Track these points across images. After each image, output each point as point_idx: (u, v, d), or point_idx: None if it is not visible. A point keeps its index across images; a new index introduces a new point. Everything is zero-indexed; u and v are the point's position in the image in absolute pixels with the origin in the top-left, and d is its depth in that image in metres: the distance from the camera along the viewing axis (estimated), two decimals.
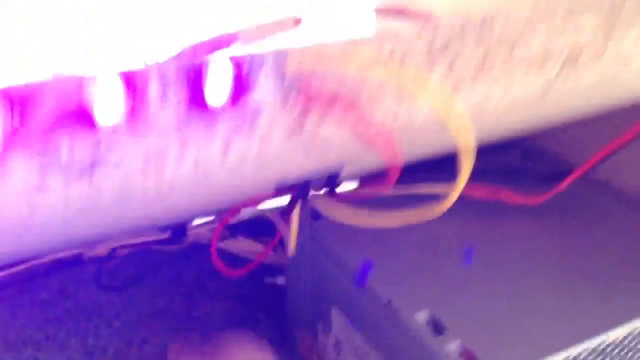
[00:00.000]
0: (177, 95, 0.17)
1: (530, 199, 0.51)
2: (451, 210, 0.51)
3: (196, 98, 0.18)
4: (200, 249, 0.59)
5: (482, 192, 0.51)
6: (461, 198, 0.51)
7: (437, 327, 0.40)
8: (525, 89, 0.22)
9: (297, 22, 0.48)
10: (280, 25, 0.48)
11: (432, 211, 0.26)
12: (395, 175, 0.25)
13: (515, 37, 0.22)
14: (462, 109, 0.21)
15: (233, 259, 0.57)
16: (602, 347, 0.38)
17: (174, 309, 0.60)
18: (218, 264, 0.41)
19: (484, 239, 0.49)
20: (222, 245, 0.57)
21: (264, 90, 0.19)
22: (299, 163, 0.19)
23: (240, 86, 0.19)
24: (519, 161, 0.57)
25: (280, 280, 0.55)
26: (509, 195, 0.51)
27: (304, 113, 0.19)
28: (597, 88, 0.23)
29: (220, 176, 0.19)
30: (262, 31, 0.47)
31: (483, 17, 0.21)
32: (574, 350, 0.37)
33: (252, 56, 0.19)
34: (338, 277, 0.46)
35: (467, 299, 0.42)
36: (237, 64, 0.19)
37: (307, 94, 0.19)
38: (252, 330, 0.61)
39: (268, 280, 0.55)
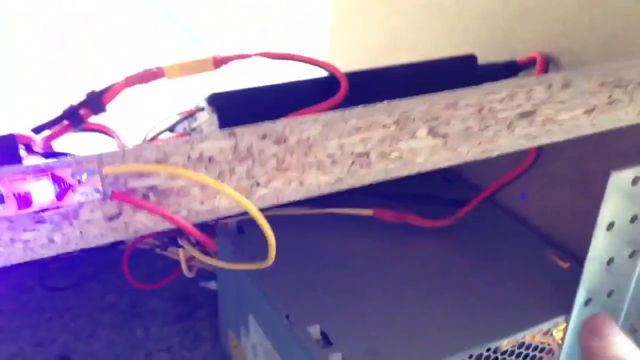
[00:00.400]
0: (9, 197, 0.23)
1: (436, 222, 0.56)
2: (360, 230, 0.56)
3: (25, 198, 0.24)
4: (146, 251, 0.64)
5: (390, 216, 0.56)
6: (372, 220, 0.57)
7: (326, 341, 0.46)
8: (316, 183, 0.28)
9: (217, 63, 0.53)
10: (201, 66, 0.53)
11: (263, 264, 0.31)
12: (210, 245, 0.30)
13: (308, 145, 0.27)
14: (254, 205, 0.27)
15: (175, 265, 0.62)
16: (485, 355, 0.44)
17: (120, 305, 0.66)
18: (131, 280, 0.47)
19: (386, 258, 0.54)
20: (166, 253, 0.62)
21: (83, 191, 0.24)
22: (115, 238, 0.25)
23: (64, 188, 0.24)
24: (430, 186, 0.62)
25: (212, 285, 0.61)
26: (415, 219, 0.56)
27: (119, 207, 0.25)
28: (385, 176, 0.28)
29: (48, 251, 0.24)
30: (185, 69, 0.52)
31: (280, 131, 0.27)
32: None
33: (75, 160, 0.24)
34: (252, 288, 0.52)
35: (360, 314, 0.48)
36: (62, 166, 0.24)
37: (122, 192, 0.25)
38: (194, 324, 0.68)
39: (202, 284, 0.61)
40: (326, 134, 0.29)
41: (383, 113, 0.29)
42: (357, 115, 0.29)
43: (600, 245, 0.46)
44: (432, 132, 0.30)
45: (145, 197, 0.26)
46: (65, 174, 0.25)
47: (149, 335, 0.64)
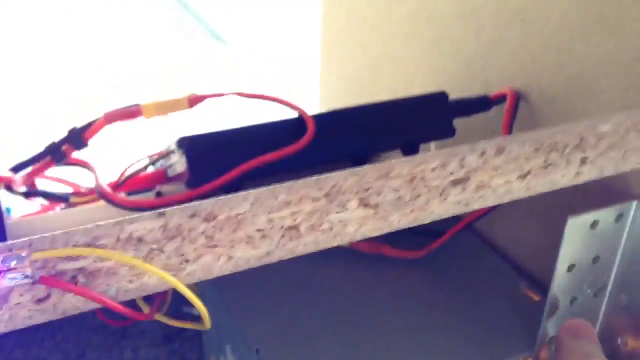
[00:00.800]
0: None
1: (410, 253, 0.57)
2: (335, 261, 0.57)
3: None
4: None
5: (365, 246, 0.57)
6: (347, 251, 0.58)
7: None
8: (246, 258, 0.29)
9: (192, 102, 0.54)
10: (176, 105, 0.54)
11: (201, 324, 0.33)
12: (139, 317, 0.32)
13: (236, 221, 0.28)
14: (183, 281, 0.28)
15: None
16: None
17: (111, 326, 0.68)
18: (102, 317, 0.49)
19: (360, 291, 0.55)
20: None
21: (12, 276, 0.26)
22: (44, 319, 0.27)
23: None
24: None
25: (195, 311, 0.62)
26: (389, 249, 0.57)
27: (48, 290, 0.26)
28: (315, 248, 0.29)
29: None
30: (160, 109, 0.53)
31: (209, 209, 0.28)
32: None
33: (5, 247, 0.26)
34: (228, 319, 0.53)
35: (331, 350, 0.49)
36: None
37: (51, 276, 0.26)
38: (181, 345, 0.70)
39: (185, 310, 0.63)
40: (255, 210, 0.30)
41: (313, 187, 0.30)
42: (287, 190, 0.30)
43: (561, 286, 0.46)
44: (362, 203, 0.31)
45: (74, 278, 0.28)
46: None
47: (138, 356, 0.66)
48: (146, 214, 0.29)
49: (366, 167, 0.31)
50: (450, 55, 0.58)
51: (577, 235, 0.44)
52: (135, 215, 0.28)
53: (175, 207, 0.29)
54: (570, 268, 0.46)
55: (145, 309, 0.45)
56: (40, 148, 0.53)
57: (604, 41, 0.44)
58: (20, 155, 0.56)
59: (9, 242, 0.27)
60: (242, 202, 0.29)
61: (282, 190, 0.30)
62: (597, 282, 0.48)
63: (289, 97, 0.52)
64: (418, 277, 0.57)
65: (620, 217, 0.45)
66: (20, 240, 0.27)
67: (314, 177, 0.31)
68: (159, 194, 0.57)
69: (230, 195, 0.29)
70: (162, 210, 0.29)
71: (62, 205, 0.57)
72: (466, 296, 0.55)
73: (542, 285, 0.56)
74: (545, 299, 0.53)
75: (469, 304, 0.54)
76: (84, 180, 0.62)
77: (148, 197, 0.56)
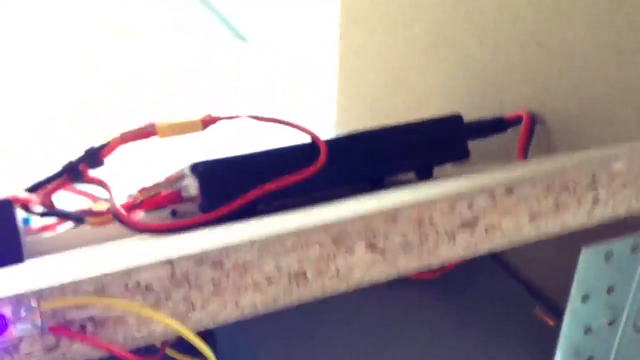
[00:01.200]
0: None
1: (424, 275, 0.57)
2: None
3: None
4: None
5: None
6: None
7: None
8: (252, 304, 0.29)
9: (206, 124, 0.54)
10: (190, 126, 0.54)
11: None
12: None
13: (244, 268, 0.28)
14: (190, 329, 0.28)
15: None
16: None
17: None
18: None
19: (374, 313, 0.55)
20: None
21: (22, 326, 0.26)
22: None
23: (4, 324, 0.26)
24: None
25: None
26: None
27: (57, 339, 0.27)
28: (322, 294, 0.30)
29: None
30: (174, 130, 0.54)
31: (216, 256, 0.28)
32: None
33: (15, 297, 0.26)
34: (235, 339, 0.54)
35: None
36: (2, 304, 0.26)
37: (60, 326, 0.27)
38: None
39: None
40: (262, 256, 0.30)
41: (320, 232, 0.31)
42: (294, 235, 0.30)
43: (575, 315, 0.46)
44: (369, 247, 0.31)
45: (83, 327, 0.28)
46: (5, 311, 0.27)
47: None
48: (154, 262, 0.29)
49: (373, 211, 0.31)
50: (465, 76, 0.57)
51: (591, 265, 0.44)
52: (143, 263, 0.29)
53: (183, 254, 0.29)
54: (585, 299, 0.45)
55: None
56: (40, 149, 0.54)
57: (619, 68, 0.43)
58: (20, 155, 0.56)
59: (19, 292, 0.27)
60: (249, 248, 0.30)
61: (288, 236, 0.30)
62: (612, 312, 0.47)
63: (305, 98, 0.52)
64: (432, 299, 0.57)
65: (636, 248, 0.44)
66: (30, 289, 0.27)
67: (321, 220, 0.31)
68: (174, 213, 0.57)
69: (236, 241, 0.30)
70: (169, 258, 0.29)
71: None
72: (480, 319, 0.54)
73: (557, 309, 0.55)
74: (560, 324, 0.52)
75: (482, 327, 0.54)
76: (102, 195, 0.62)
77: (161, 216, 0.56)
